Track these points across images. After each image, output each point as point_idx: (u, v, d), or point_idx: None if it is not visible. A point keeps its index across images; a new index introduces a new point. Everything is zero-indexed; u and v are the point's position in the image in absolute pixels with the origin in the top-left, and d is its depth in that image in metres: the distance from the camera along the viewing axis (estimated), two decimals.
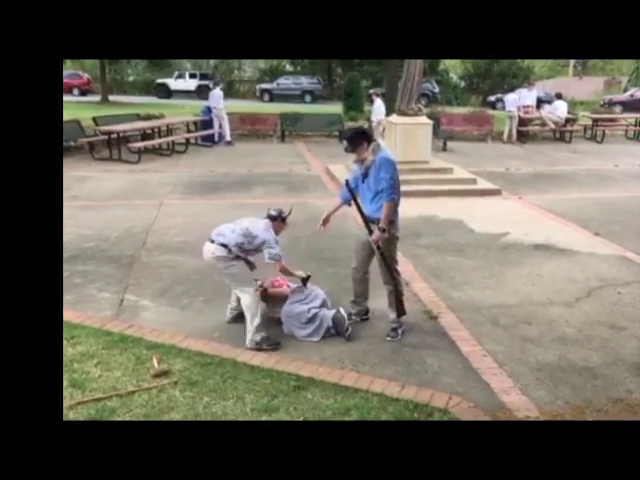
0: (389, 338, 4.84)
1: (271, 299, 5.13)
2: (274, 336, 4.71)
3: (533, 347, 4.82)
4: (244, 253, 4.63)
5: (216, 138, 15.55)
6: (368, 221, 4.75)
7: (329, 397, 3.79)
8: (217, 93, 15.65)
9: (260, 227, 4.64)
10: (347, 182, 4.83)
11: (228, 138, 15.55)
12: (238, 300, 4.81)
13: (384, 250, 4.75)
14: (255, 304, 4.60)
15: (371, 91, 16.59)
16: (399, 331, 4.90)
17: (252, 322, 4.56)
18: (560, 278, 6.34)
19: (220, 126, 15.62)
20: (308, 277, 5.12)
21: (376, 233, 4.62)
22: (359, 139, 4.61)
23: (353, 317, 5.09)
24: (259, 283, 5.16)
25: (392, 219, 4.72)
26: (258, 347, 4.52)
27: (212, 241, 4.55)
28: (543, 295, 5.86)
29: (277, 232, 4.77)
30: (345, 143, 4.64)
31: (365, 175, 4.72)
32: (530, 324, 5.24)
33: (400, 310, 4.91)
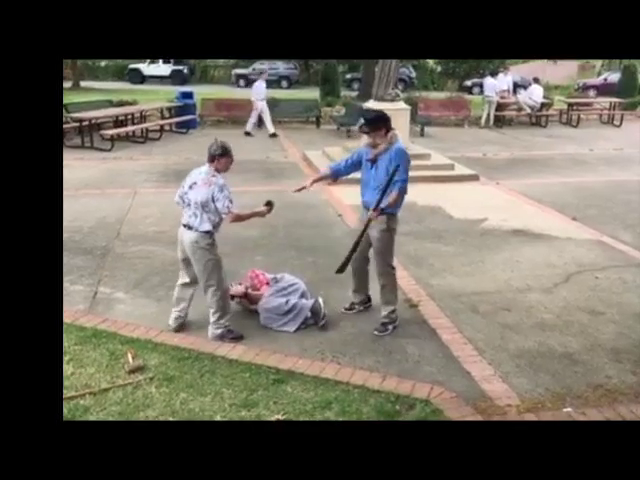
0: (377, 332, 4.73)
1: (250, 300, 5.04)
2: (250, 328, 4.62)
3: (513, 334, 4.81)
4: (218, 224, 4.43)
5: (249, 129, 14.84)
6: (366, 207, 4.67)
7: (309, 390, 3.72)
8: (259, 85, 15.11)
9: (202, 190, 4.29)
10: (347, 161, 4.82)
11: (271, 130, 14.82)
12: (186, 303, 4.63)
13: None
14: (217, 301, 4.45)
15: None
16: (389, 327, 4.79)
17: (214, 315, 4.48)
18: (538, 263, 6.35)
19: (260, 118, 15.01)
20: (269, 203, 4.64)
21: (371, 212, 4.52)
22: (379, 123, 4.50)
23: (356, 307, 5.06)
24: (240, 287, 5.04)
25: (394, 212, 4.65)
26: (220, 339, 4.44)
27: (189, 227, 4.37)
28: (522, 281, 5.86)
29: (226, 169, 4.43)
30: (364, 123, 4.51)
31: (374, 161, 4.59)
32: (509, 311, 5.23)
33: (341, 267, 4.87)
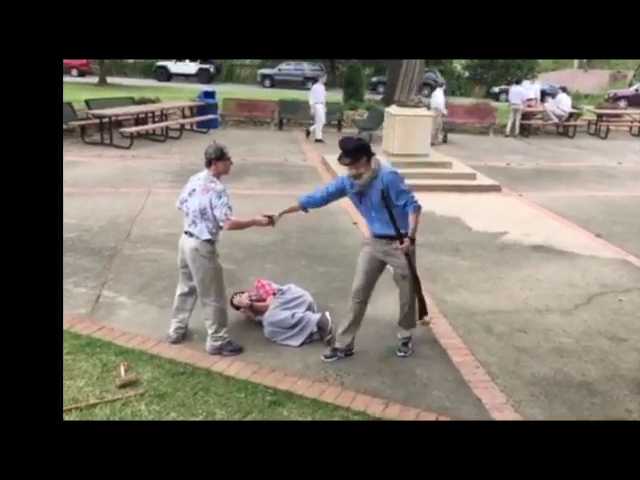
0: (402, 354, 4.49)
1: (255, 311, 4.88)
2: (253, 340, 4.45)
3: (528, 358, 4.57)
4: (217, 232, 4.25)
5: (319, 136, 14.37)
6: (381, 237, 4.32)
7: (306, 415, 3.52)
8: (317, 88, 14.68)
9: (200, 197, 4.12)
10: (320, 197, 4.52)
11: (318, 136, 14.42)
12: (187, 314, 4.48)
13: (410, 266, 4.34)
14: (215, 313, 4.28)
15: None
16: (410, 345, 4.57)
17: (211, 327, 4.31)
18: (559, 283, 6.08)
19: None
20: (271, 218, 4.45)
21: (406, 243, 4.18)
22: (360, 153, 4.10)
23: (339, 354, 4.40)
24: (244, 298, 4.88)
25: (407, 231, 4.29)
26: (218, 352, 4.28)
27: (190, 235, 4.23)
28: (541, 301, 5.60)
29: (224, 172, 4.24)
30: (344, 155, 4.12)
31: (361, 194, 4.24)
32: (526, 333, 4.98)
33: (422, 310, 4.50)
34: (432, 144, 14.26)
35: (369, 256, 4.42)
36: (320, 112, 14.43)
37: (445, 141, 14.69)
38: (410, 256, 4.30)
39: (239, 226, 4.35)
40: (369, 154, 4.14)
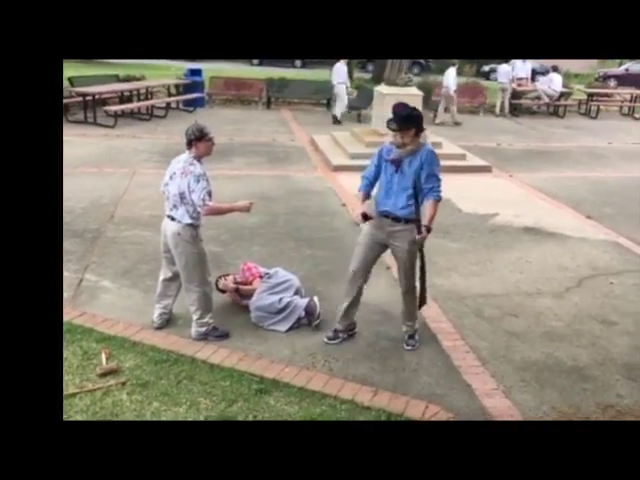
0: (408, 347, 4.32)
1: (242, 294, 4.76)
2: (239, 325, 4.35)
3: (519, 343, 4.51)
4: (197, 217, 4.10)
5: (338, 114, 13.89)
6: (387, 216, 4.14)
7: (293, 404, 3.43)
8: (340, 67, 14.17)
9: (180, 181, 3.98)
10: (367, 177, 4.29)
11: (338, 114, 13.91)
12: (170, 299, 4.36)
13: (412, 255, 4.19)
14: (199, 298, 4.17)
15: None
16: (416, 336, 4.40)
17: (195, 313, 4.20)
18: (550, 265, 6.02)
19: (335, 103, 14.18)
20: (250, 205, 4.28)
21: (424, 232, 4.04)
22: (411, 123, 3.91)
23: (340, 335, 4.36)
24: (230, 282, 4.77)
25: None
26: (204, 338, 4.18)
27: (172, 219, 4.10)
28: (532, 284, 5.54)
29: (206, 153, 4.08)
30: (393, 120, 3.91)
31: (395, 163, 4.05)
32: (517, 316, 4.92)
33: (422, 301, 4.38)
34: (439, 123, 14.23)
35: (370, 241, 4.25)
36: (342, 92, 14.02)
37: (458, 123, 14.39)
38: (410, 242, 4.14)
39: (218, 212, 4.22)
40: (420, 127, 3.98)
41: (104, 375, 3.57)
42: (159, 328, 4.31)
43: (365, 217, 4.19)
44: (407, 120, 3.93)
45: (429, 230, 4.09)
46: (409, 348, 4.34)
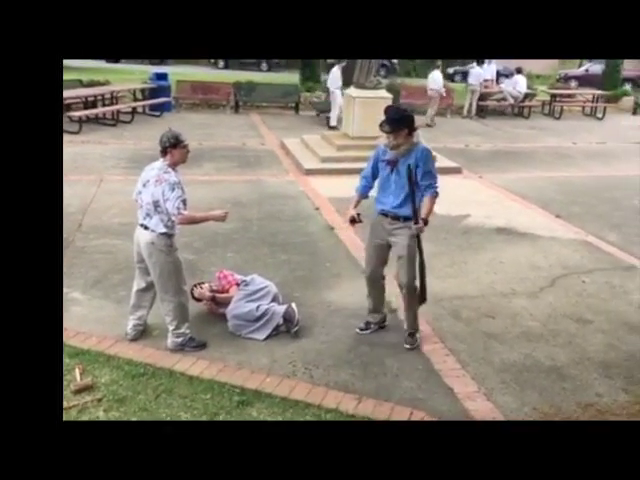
0: (408, 346, 4.38)
1: (218, 303, 4.68)
2: (216, 334, 4.27)
3: (497, 344, 4.53)
4: (172, 226, 4.00)
5: (333, 122, 13.59)
6: (386, 215, 4.27)
7: (276, 415, 3.36)
8: (336, 72, 14.01)
9: (154, 189, 3.88)
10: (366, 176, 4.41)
11: (333, 123, 13.70)
12: (145, 310, 4.27)
13: (412, 250, 4.28)
14: (175, 309, 4.08)
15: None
16: (417, 336, 4.45)
17: (171, 324, 4.10)
18: (523, 265, 6.08)
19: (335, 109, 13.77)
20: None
21: (421, 223, 4.16)
22: (403, 124, 4.03)
23: (372, 326, 4.59)
24: (205, 291, 4.68)
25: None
26: (181, 349, 4.09)
27: (146, 228, 3.99)
28: (506, 285, 5.58)
29: (181, 160, 3.99)
30: (386, 122, 4.02)
31: (390, 163, 4.16)
32: (493, 318, 4.95)
33: (422, 298, 4.45)
34: (430, 125, 14.36)
35: (374, 244, 4.42)
36: (339, 98, 13.57)
37: (430, 125, 14.50)
38: (419, 239, 4.27)
39: (193, 221, 4.13)
40: (411, 127, 4.09)
41: (79, 392, 3.44)
42: (133, 340, 4.19)
43: (353, 221, 4.36)
44: (399, 122, 4.05)
45: (426, 222, 4.21)
46: (408, 347, 4.39)
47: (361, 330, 4.57)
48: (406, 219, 4.19)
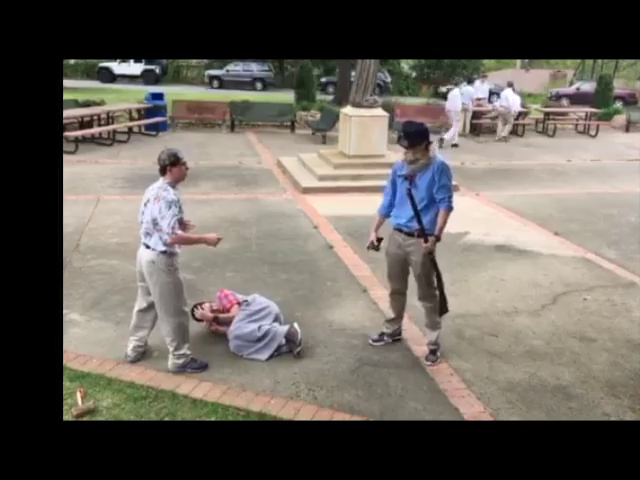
0: (428, 362, 4.39)
1: (220, 323, 4.63)
2: (217, 354, 4.20)
3: (502, 363, 4.49)
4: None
5: (450, 138, 14.34)
6: (400, 230, 4.33)
7: None
8: (454, 94, 14.74)
9: (153, 208, 3.83)
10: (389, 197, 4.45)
11: (454, 141, 14.45)
12: (146, 331, 4.21)
13: (426, 267, 4.34)
14: (175, 330, 4.02)
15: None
16: (438, 353, 4.47)
17: (171, 344, 4.05)
18: (524, 283, 6.06)
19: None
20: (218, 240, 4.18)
21: (432, 240, 4.21)
22: (420, 138, 4.09)
23: (386, 338, 4.65)
24: (207, 312, 4.63)
25: (433, 232, 4.27)
26: (182, 371, 4.04)
27: (147, 246, 3.95)
28: (508, 303, 5.55)
29: (181, 178, 3.97)
30: (404, 138, 4.09)
31: (408, 178, 4.18)
32: (497, 336, 4.91)
33: (442, 309, 4.48)
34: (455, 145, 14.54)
35: (393, 260, 4.50)
36: (457, 118, 14.41)
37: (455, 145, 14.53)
38: (423, 255, 4.29)
39: (186, 242, 4.10)
40: (428, 141, 4.14)
41: (80, 416, 3.37)
42: (134, 362, 4.13)
43: (373, 245, 4.43)
44: (417, 136, 4.11)
45: (438, 239, 4.25)
46: (428, 363, 4.40)
47: (374, 341, 4.63)
48: (420, 235, 4.23)
